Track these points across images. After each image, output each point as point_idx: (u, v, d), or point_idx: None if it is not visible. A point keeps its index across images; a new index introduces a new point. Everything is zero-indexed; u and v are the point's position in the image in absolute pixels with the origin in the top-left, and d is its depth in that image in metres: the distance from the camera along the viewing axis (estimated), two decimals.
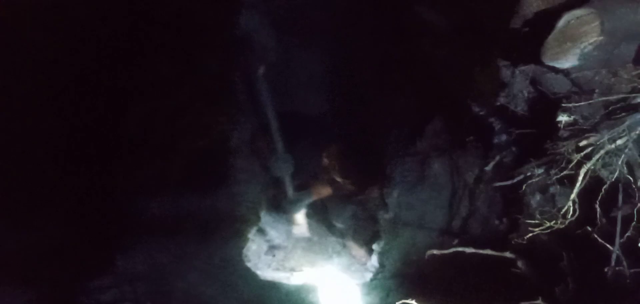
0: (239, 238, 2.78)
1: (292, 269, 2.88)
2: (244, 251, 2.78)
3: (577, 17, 1.56)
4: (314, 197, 2.93)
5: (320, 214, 3.10)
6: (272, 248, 3.02)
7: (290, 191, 2.89)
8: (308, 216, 3.02)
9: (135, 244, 2.27)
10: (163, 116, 2.45)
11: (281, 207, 2.99)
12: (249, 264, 2.72)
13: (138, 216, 2.30)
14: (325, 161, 2.84)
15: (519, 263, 1.97)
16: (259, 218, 2.99)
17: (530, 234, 1.96)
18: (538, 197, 1.90)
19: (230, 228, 2.71)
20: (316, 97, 3.43)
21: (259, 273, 2.71)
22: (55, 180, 2.05)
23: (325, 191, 2.92)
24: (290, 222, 2.96)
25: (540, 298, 1.85)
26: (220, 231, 2.63)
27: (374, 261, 2.93)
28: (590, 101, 1.53)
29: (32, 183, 1.98)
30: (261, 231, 3.00)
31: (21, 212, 1.98)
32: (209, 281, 2.54)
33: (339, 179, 2.77)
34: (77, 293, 2.03)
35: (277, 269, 2.86)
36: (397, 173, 2.82)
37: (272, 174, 3.02)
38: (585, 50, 1.53)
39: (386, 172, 2.88)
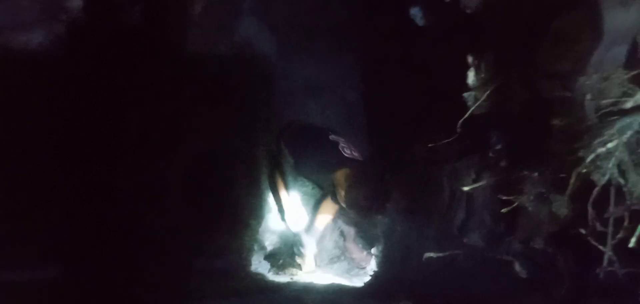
0: (239, 242, 2.80)
1: (292, 274, 2.91)
2: (244, 255, 2.81)
3: (570, 21, 1.59)
4: (321, 230, 2.91)
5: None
6: (272, 252, 3.05)
7: (301, 238, 2.89)
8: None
9: (135, 247, 2.29)
10: (163, 117, 2.48)
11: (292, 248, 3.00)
12: (249, 269, 2.75)
13: (138, 219, 2.32)
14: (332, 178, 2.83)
15: (516, 265, 2.00)
16: (259, 223, 3.02)
17: (527, 236, 2.00)
18: (533, 200, 1.93)
19: (231, 232, 2.74)
20: (317, 105, 3.46)
21: (259, 277, 2.74)
22: (55, 181, 2.08)
23: (332, 214, 2.90)
24: (300, 261, 2.95)
25: (536, 299, 1.88)
26: (221, 235, 2.66)
27: (373, 265, 2.96)
28: (583, 105, 1.56)
29: (31, 184, 2.01)
30: (261, 235, 3.03)
31: (20, 213, 2.01)
32: (210, 286, 2.56)
33: (344, 206, 2.76)
34: (76, 293, 2.05)
35: (277, 273, 2.89)
36: (395, 177, 2.85)
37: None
38: (578, 54, 1.56)
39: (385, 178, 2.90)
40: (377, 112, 3.25)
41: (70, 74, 2.10)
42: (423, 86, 2.79)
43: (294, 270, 2.92)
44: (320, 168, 2.83)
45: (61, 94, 2.08)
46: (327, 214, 2.87)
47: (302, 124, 3.02)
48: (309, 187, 3.06)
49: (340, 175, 2.75)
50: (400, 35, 2.96)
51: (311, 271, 2.93)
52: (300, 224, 2.91)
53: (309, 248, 2.90)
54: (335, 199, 2.79)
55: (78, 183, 2.21)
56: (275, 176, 2.98)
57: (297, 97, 3.37)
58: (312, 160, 2.81)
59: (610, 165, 1.48)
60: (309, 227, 2.88)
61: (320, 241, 2.97)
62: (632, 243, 1.47)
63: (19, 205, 2.04)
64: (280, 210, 3.05)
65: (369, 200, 2.70)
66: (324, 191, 2.95)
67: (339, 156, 2.86)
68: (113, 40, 2.25)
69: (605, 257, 1.57)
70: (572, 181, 1.57)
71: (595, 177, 1.55)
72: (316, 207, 2.93)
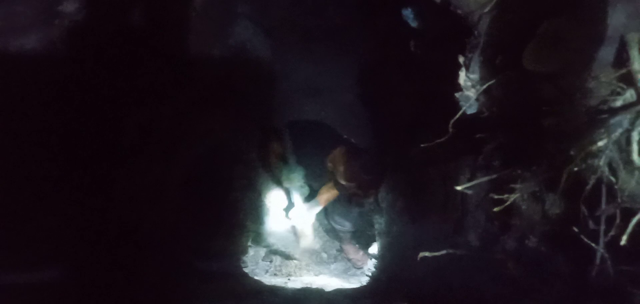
0: (237, 244, 2.82)
1: (289, 275, 2.92)
2: (242, 257, 2.83)
3: (559, 23, 1.61)
4: (322, 205, 2.97)
5: (318, 219, 3.14)
6: (270, 254, 3.06)
7: (298, 203, 2.94)
8: (314, 226, 3.07)
9: (134, 249, 2.31)
10: (162, 121, 2.50)
11: (289, 219, 3.04)
12: (246, 270, 2.76)
13: (137, 220, 2.35)
14: (329, 164, 2.88)
15: (509, 264, 2.01)
16: (256, 225, 3.04)
17: (520, 235, 2.01)
18: (526, 199, 1.94)
19: (228, 235, 2.76)
20: (316, 106, 3.49)
21: (256, 278, 2.75)
22: (55, 182, 2.10)
23: (332, 195, 2.97)
24: (298, 234, 3.00)
25: (532, 298, 1.89)
26: (219, 237, 2.68)
27: (370, 265, 2.97)
28: (572, 105, 1.57)
29: (31, 185, 2.03)
30: (258, 237, 3.05)
31: (20, 214, 2.03)
32: (208, 288, 2.57)
33: (343, 182, 2.82)
34: (75, 295, 2.07)
35: (275, 274, 2.91)
36: (392, 178, 2.86)
37: (281, 186, 3.08)
38: (567, 54, 1.58)
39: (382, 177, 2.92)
40: (376, 113, 3.27)
41: (70, 75, 2.12)
42: (421, 87, 2.81)
43: (292, 269, 2.94)
44: (314, 151, 2.90)
45: (61, 94, 2.11)
46: (330, 192, 2.94)
47: (299, 122, 3.09)
48: (304, 189, 3.09)
49: (338, 152, 2.83)
50: (399, 37, 2.98)
51: (309, 246, 2.98)
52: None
53: (309, 219, 2.94)
54: (331, 185, 2.86)
55: (78, 184, 2.23)
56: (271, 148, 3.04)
57: (296, 99, 3.40)
58: (306, 146, 2.88)
59: (600, 163, 1.49)
60: (312, 199, 2.96)
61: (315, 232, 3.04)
62: (623, 240, 1.47)
63: (19, 206, 2.06)
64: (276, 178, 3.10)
65: (368, 172, 2.78)
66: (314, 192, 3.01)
67: (335, 137, 2.95)
68: (112, 41, 2.27)
69: (598, 255, 1.58)
70: (563, 179, 1.58)
71: (587, 175, 1.56)
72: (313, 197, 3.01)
